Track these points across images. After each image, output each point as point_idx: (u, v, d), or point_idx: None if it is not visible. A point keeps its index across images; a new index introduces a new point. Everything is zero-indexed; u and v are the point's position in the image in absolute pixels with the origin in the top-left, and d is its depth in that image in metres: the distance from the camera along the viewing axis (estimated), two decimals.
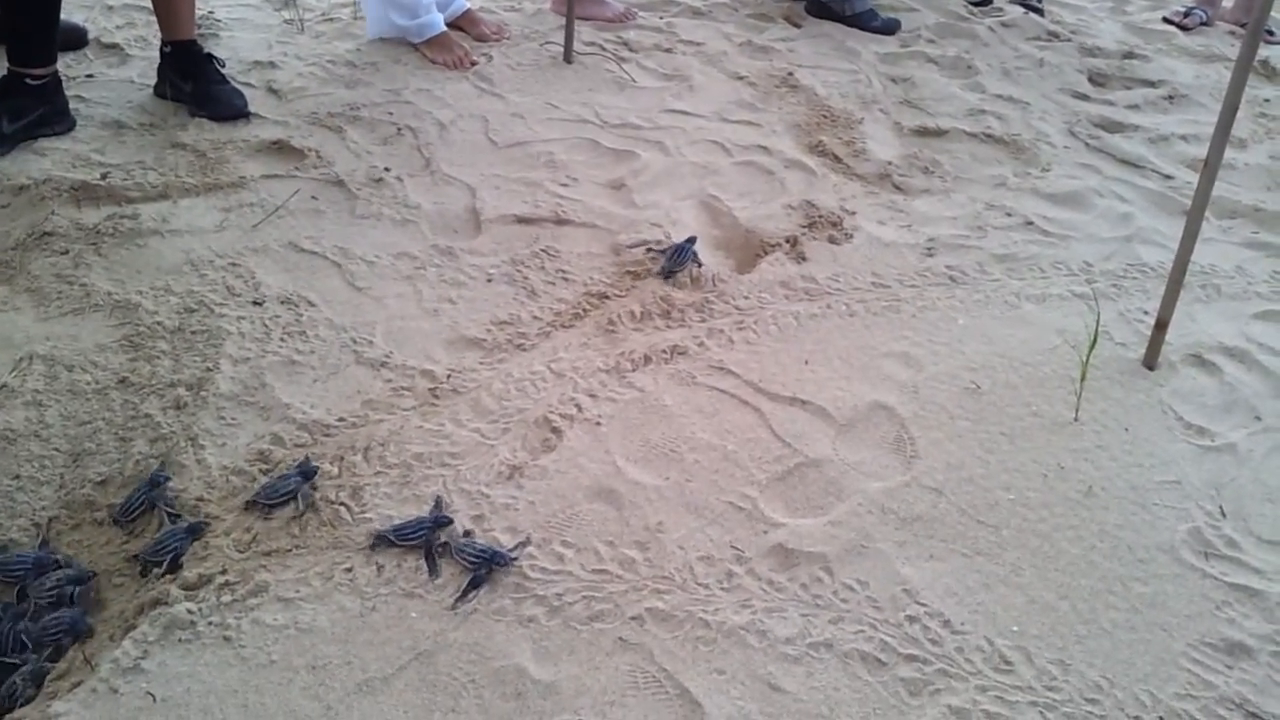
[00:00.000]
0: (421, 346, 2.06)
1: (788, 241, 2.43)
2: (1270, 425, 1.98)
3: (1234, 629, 1.57)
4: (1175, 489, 1.81)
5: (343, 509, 1.68)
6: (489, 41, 3.39)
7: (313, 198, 2.51)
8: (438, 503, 1.69)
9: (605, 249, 2.37)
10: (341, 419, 1.86)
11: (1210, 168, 1.95)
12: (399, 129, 2.82)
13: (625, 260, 2.33)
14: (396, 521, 1.65)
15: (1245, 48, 1.87)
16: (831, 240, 2.45)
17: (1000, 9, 4.04)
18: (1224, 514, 1.77)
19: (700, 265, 2.29)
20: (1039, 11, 4.04)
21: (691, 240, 2.34)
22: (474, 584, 1.55)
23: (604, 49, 3.39)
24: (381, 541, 1.61)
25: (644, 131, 2.89)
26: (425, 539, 1.61)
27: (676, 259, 2.30)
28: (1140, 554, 1.68)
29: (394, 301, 2.18)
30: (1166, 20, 4.32)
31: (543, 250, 2.35)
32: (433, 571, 1.58)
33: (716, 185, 2.65)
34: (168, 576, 1.56)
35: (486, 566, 1.57)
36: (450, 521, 1.64)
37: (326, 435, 1.82)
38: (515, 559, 1.59)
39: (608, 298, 2.22)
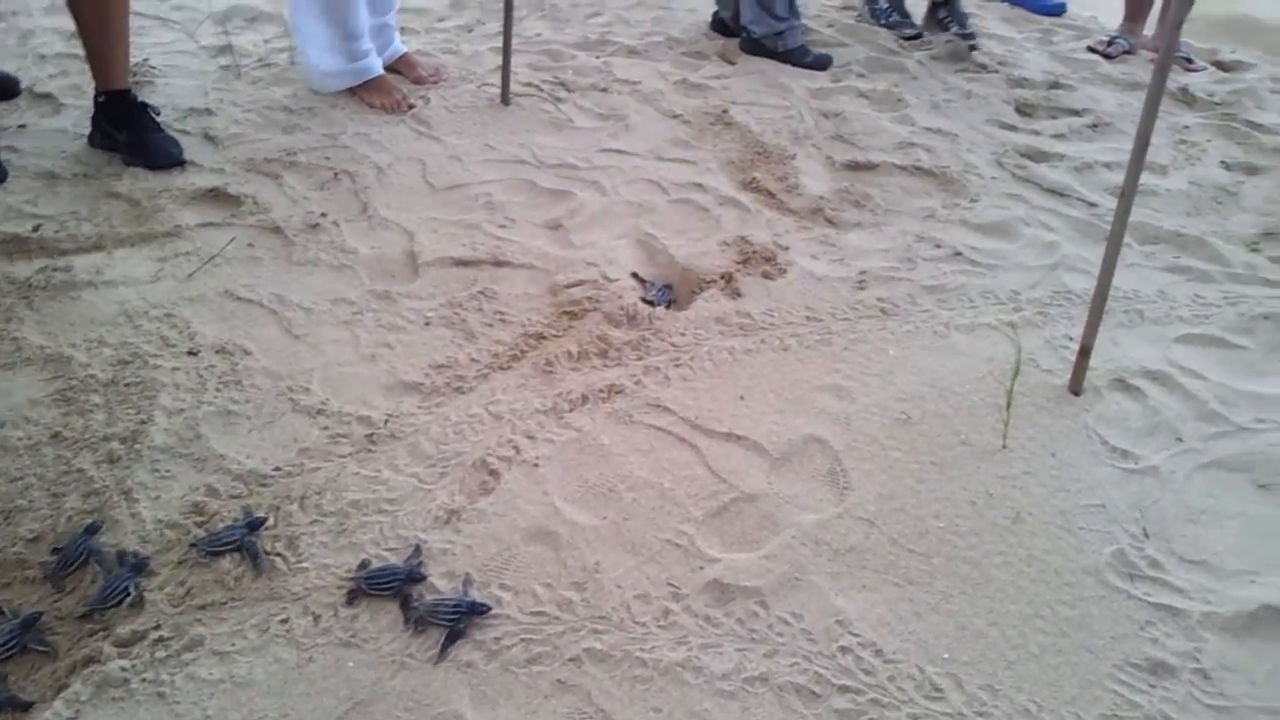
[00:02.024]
0: (359, 392, 2.06)
1: (723, 278, 2.46)
2: (1191, 446, 2.04)
3: (1157, 648, 1.61)
4: (1100, 512, 1.86)
5: (279, 559, 1.68)
6: (426, 84, 3.42)
7: (249, 245, 2.52)
8: (416, 549, 1.69)
9: (543, 290, 2.40)
10: (278, 468, 1.86)
11: (1126, 197, 2.01)
12: (336, 174, 2.83)
13: (563, 301, 2.35)
14: (372, 568, 1.65)
15: (1154, 80, 1.93)
16: (766, 276, 2.49)
17: (930, 42, 4.13)
18: (1147, 535, 1.82)
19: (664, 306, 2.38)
20: (972, 42, 4.13)
21: (669, 287, 2.45)
22: (453, 637, 1.55)
23: (541, 89, 3.43)
24: (357, 593, 1.62)
25: (581, 171, 2.92)
26: (397, 590, 1.62)
27: (660, 295, 2.39)
28: (1067, 578, 1.72)
29: (331, 348, 2.18)
30: (1091, 49, 4.44)
31: (480, 292, 2.37)
32: (408, 622, 1.58)
33: (653, 223, 2.69)
34: (103, 631, 1.55)
35: (465, 619, 1.57)
36: (424, 578, 1.64)
37: (262, 485, 1.82)
38: (491, 608, 1.59)
39: (545, 338, 2.24)
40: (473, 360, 2.16)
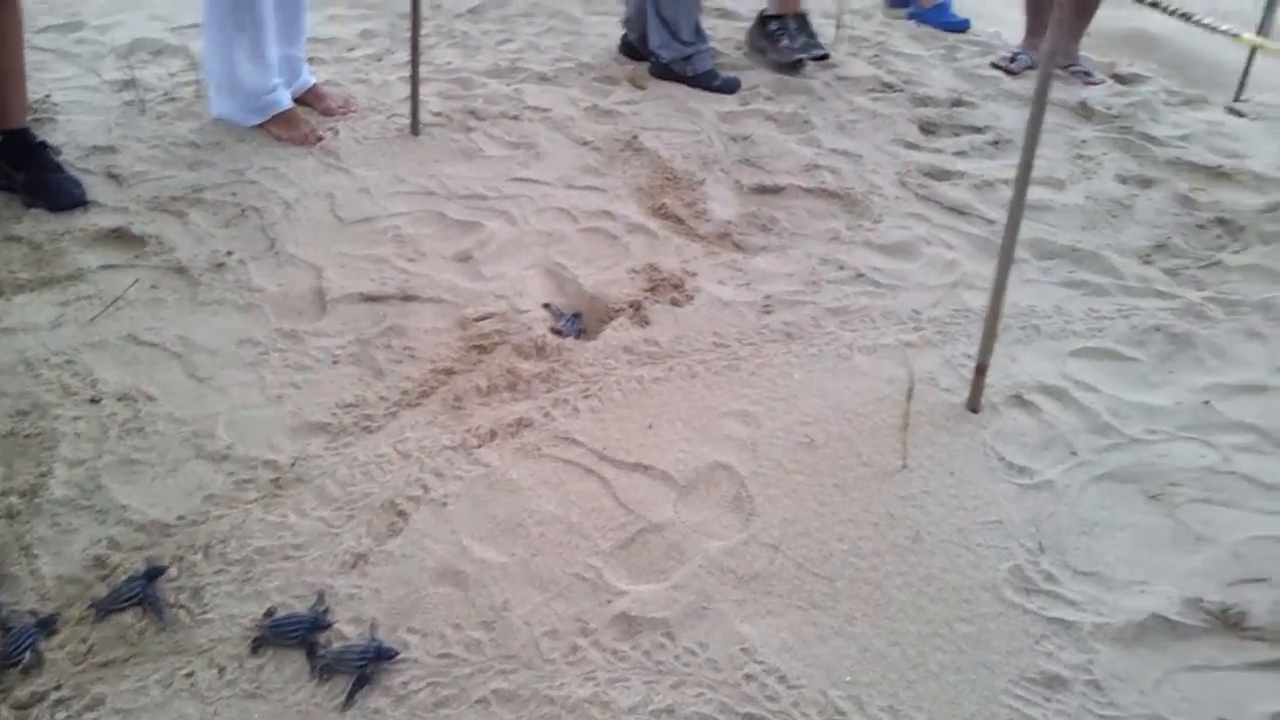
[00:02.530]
0: (265, 435, 2.05)
1: (631, 306, 2.49)
2: (1085, 459, 2.11)
3: (1051, 662, 1.66)
4: (997, 528, 1.92)
5: (182, 611, 1.66)
6: (336, 116, 3.41)
7: (153, 287, 2.49)
8: (321, 596, 1.69)
9: (452, 324, 2.40)
10: (181, 517, 1.84)
11: (1012, 220, 2.08)
12: (243, 210, 2.81)
13: (472, 334, 2.36)
14: (277, 616, 1.64)
15: (1036, 98, 1.99)
16: (674, 303, 2.52)
17: (836, 63, 4.21)
18: (1042, 549, 1.88)
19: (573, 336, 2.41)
20: (818, 53, 4.10)
21: (578, 316, 2.48)
22: (360, 684, 1.55)
23: (451, 119, 3.44)
24: (262, 641, 1.61)
25: (491, 201, 2.94)
26: (303, 638, 1.61)
27: (569, 325, 2.42)
28: (965, 595, 1.78)
29: (237, 390, 2.17)
30: (994, 65, 4.56)
31: (389, 328, 2.37)
32: (314, 670, 1.57)
33: (562, 253, 2.71)
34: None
35: (372, 665, 1.57)
36: (329, 625, 1.64)
37: (166, 535, 1.81)
38: (398, 652, 1.59)
39: (454, 373, 2.25)
40: (381, 398, 2.16)
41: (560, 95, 3.70)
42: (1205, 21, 1.80)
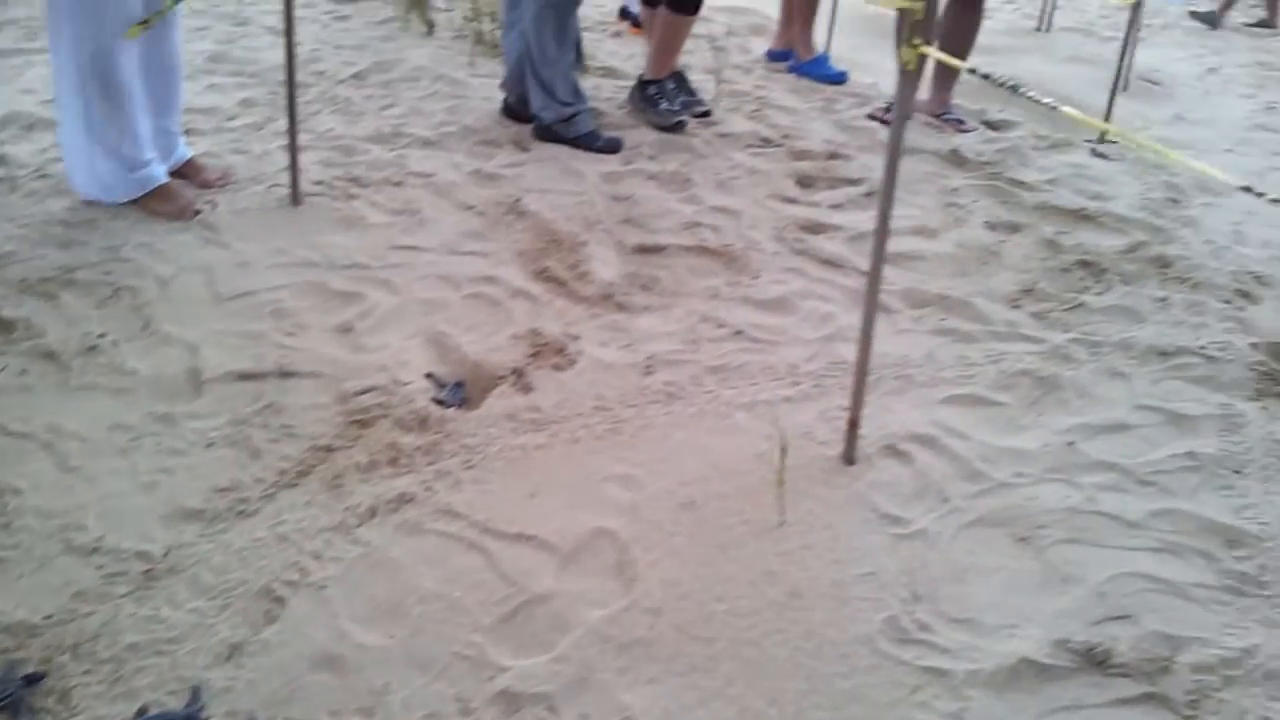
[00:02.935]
0: (137, 525, 2.01)
1: (514, 373, 2.51)
2: (956, 506, 2.17)
3: (926, 712, 1.70)
4: (873, 580, 1.96)
5: (48, 717, 1.61)
6: (214, 188, 3.37)
7: (22, 373, 2.43)
8: (195, 692, 1.65)
9: (332, 399, 2.39)
10: (49, 616, 1.79)
11: (873, 280, 2.14)
12: (116, 290, 2.76)
13: (352, 409, 2.35)
14: (148, 715, 1.60)
15: (890, 144, 2.06)
16: (557, 368, 2.54)
17: (717, 120, 4.31)
18: (916, 599, 1.93)
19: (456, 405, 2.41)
20: (702, 109, 4.21)
21: (461, 385, 2.48)
22: None
23: (333, 187, 3.43)
24: None
25: (373, 271, 2.93)
26: None
27: (452, 395, 2.42)
28: (842, 649, 1.81)
29: (108, 479, 2.12)
30: (870, 116, 4.71)
31: (266, 406, 2.34)
32: None
33: (445, 320, 2.71)
34: None
35: None
36: None
37: (32, 637, 1.75)
38: None
39: (334, 450, 2.23)
40: (257, 480, 2.13)
41: (444, 160, 3.72)
42: (1029, 94, 1.90)
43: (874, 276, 2.14)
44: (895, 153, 2.05)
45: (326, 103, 4.23)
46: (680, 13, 4.06)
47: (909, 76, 1.97)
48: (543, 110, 3.89)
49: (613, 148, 3.87)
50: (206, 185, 3.38)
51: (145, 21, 2.95)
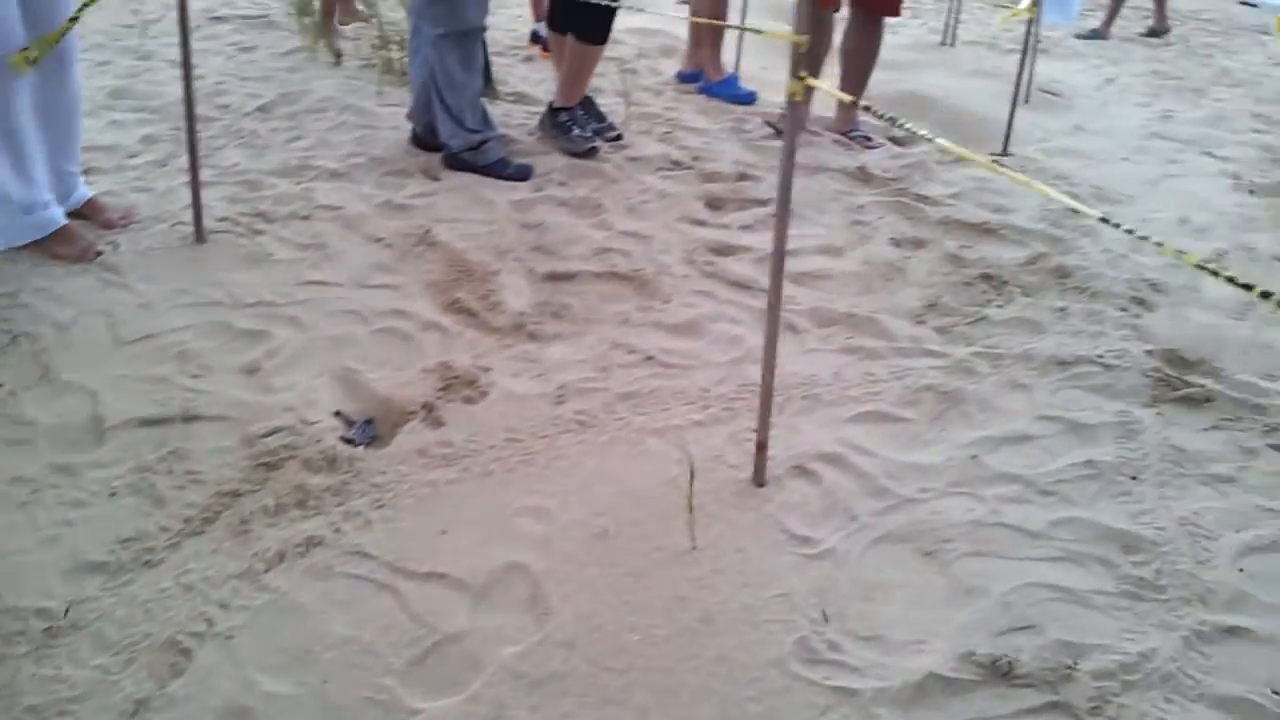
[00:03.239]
0: (37, 581, 1.96)
1: (424, 408, 2.50)
2: (864, 523, 2.21)
3: None
4: (784, 602, 1.98)
5: None
6: (116, 228, 3.31)
7: None
8: None
9: (238, 442, 2.35)
10: None
11: (773, 299, 2.17)
12: (14, 337, 2.69)
13: (259, 451, 2.32)
14: None
15: (781, 176, 2.09)
16: (468, 400, 2.54)
17: (628, 144, 4.34)
18: (826, 619, 1.96)
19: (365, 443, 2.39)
20: (614, 133, 4.23)
21: (370, 422, 2.46)
22: None
23: (239, 223, 3.39)
24: None
25: (280, 308, 2.90)
26: None
27: (361, 433, 2.40)
28: (754, 673, 1.83)
29: (6, 535, 2.06)
30: (768, 124, 4.80)
31: (171, 453, 2.30)
32: None
33: (354, 356, 2.69)
34: None
35: None
36: None
37: None
38: None
39: (240, 495, 2.20)
40: (162, 529, 2.09)
41: (352, 192, 3.69)
42: (907, 126, 1.95)
43: (774, 304, 2.17)
44: (786, 183, 2.09)
45: (232, 136, 4.18)
46: (589, 43, 4.09)
47: (797, 107, 2.00)
48: (451, 138, 3.88)
49: (522, 175, 3.88)
50: (108, 225, 3.32)
51: (30, 53, 2.86)
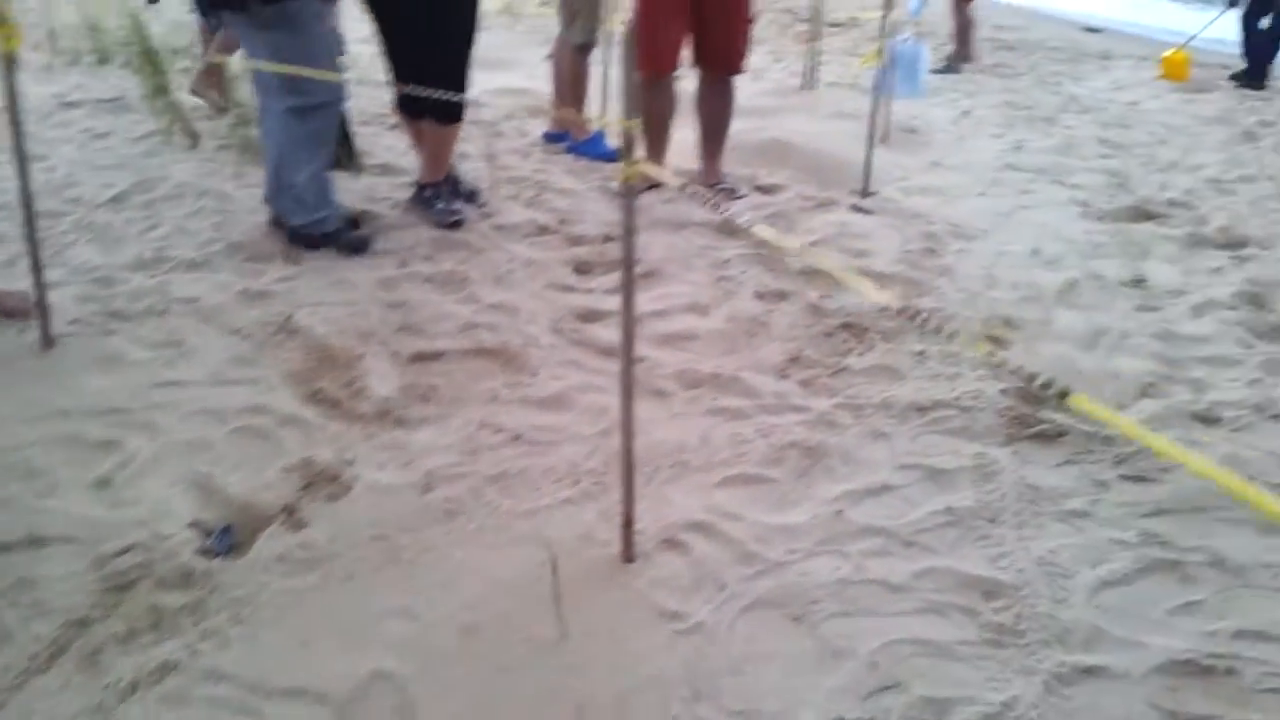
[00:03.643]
0: None
1: (285, 510, 2.44)
2: (733, 592, 2.22)
3: None
4: (656, 684, 1.98)
5: None
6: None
7: None
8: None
9: (88, 564, 2.26)
10: None
11: (625, 359, 2.18)
12: None
13: (110, 573, 2.23)
14: None
15: (624, 236, 2.11)
16: (330, 498, 2.49)
17: (495, 211, 4.34)
18: (698, 697, 1.96)
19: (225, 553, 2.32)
20: (480, 202, 4.23)
21: (229, 529, 2.39)
22: None
23: (90, 324, 3.28)
24: None
25: (133, 414, 2.81)
26: None
27: (219, 543, 2.33)
28: None
29: None
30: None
31: (16, 582, 2.20)
32: None
33: (210, 460, 2.62)
34: None
35: None
36: None
37: None
38: None
39: (90, 623, 2.11)
40: (6, 668, 2.00)
41: (210, 282, 3.61)
42: (729, 213, 2.00)
43: (627, 385, 2.18)
44: (629, 274, 2.11)
45: (84, 230, 4.05)
46: (446, 123, 4.09)
47: (630, 191, 2.03)
48: (289, 213, 3.82)
49: (359, 246, 3.82)
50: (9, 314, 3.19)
51: None
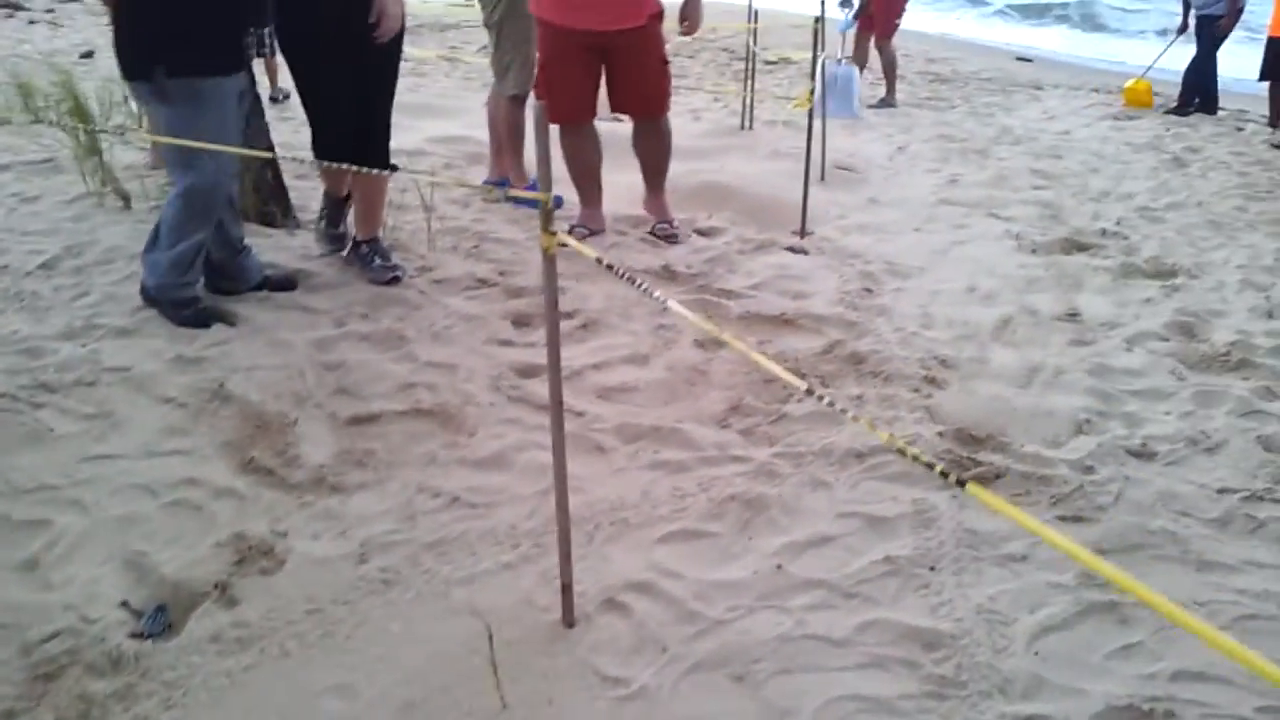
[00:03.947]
0: None
1: (217, 587, 2.39)
2: (675, 654, 2.21)
3: None
4: None
5: None
6: None
7: None
8: None
9: (14, 652, 2.20)
10: None
11: (556, 408, 2.17)
12: None
13: (37, 661, 2.17)
14: None
15: (548, 326, 2.10)
16: (264, 572, 2.45)
17: (433, 265, 4.32)
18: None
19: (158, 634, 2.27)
20: (395, 274, 4.22)
21: (162, 609, 2.33)
22: None
23: (17, 399, 3.20)
24: None
25: (61, 491, 2.74)
26: None
27: (151, 624, 2.28)
28: None
29: None
30: (574, 227, 4.86)
31: None
32: None
33: (141, 537, 2.56)
34: None
35: None
36: None
37: None
38: None
39: (16, 714, 2.05)
40: None
41: (142, 348, 3.54)
42: (621, 272, 2.00)
43: (557, 424, 2.17)
44: (555, 345, 2.10)
45: (11, 300, 3.97)
46: (373, 171, 4.05)
47: (550, 260, 2.03)
48: (150, 274, 3.72)
49: (201, 322, 3.69)
50: None
51: None
